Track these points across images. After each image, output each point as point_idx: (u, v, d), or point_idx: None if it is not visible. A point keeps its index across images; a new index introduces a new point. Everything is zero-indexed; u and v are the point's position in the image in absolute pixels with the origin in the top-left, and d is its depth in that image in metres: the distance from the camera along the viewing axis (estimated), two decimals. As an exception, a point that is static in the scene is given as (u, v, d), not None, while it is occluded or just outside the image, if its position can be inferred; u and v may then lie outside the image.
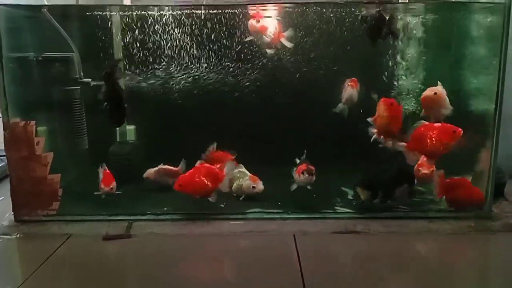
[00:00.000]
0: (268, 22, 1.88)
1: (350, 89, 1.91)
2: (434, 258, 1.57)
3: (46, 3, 1.80)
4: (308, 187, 1.83)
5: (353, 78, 1.93)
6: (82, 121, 1.97)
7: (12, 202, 1.73)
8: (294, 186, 1.84)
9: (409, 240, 1.64)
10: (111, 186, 1.80)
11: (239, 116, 2.13)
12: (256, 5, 1.88)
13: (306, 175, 1.79)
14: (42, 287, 1.36)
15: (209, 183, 1.72)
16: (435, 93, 1.73)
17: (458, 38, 1.99)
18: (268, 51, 2.01)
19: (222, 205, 1.83)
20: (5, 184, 2.10)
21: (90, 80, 1.95)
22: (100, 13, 1.97)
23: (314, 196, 1.91)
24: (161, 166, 1.97)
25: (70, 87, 1.92)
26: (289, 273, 1.40)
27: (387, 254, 1.59)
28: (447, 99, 1.75)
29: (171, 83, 2.12)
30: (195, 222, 1.72)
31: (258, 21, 1.85)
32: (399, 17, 1.96)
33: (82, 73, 1.95)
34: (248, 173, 1.92)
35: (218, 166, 1.82)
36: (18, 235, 1.66)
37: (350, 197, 1.93)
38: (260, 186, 1.89)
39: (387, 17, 1.78)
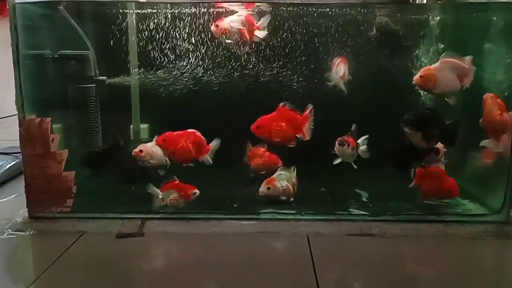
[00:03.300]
0: (231, 23, 1.80)
1: (343, 65, 1.91)
2: (450, 262, 1.54)
3: (63, -1, 1.81)
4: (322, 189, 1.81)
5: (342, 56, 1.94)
6: (97, 119, 1.98)
7: (26, 198, 1.73)
8: (337, 160, 1.81)
9: (425, 244, 1.61)
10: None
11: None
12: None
13: (336, 145, 1.76)
14: (55, 284, 1.36)
15: (193, 151, 1.72)
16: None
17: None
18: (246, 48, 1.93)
19: (235, 205, 1.83)
20: (19, 181, 2.14)
21: (105, 78, 1.95)
22: (116, 10, 1.97)
23: (328, 198, 1.90)
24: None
25: (86, 85, 1.93)
26: (303, 275, 1.38)
27: (402, 257, 1.56)
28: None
29: (185, 81, 2.11)
30: (208, 221, 1.71)
31: (217, 26, 1.80)
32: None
33: (97, 71, 1.95)
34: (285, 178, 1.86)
35: (254, 161, 1.92)
36: (31, 232, 1.67)
37: (364, 199, 1.91)
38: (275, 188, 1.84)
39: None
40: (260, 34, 1.85)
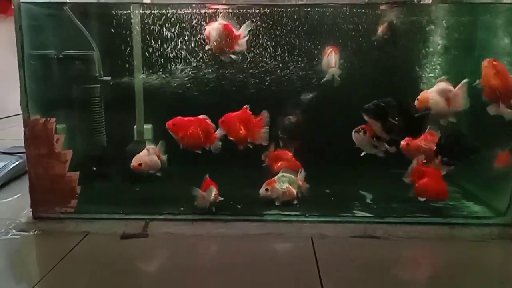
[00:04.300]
0: (212, 30, 1.74)
1: (334, 55, 1.90)
2: (455, 265, 1.52)
3: (68, 0, 1.81)
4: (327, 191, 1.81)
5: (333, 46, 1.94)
6: (101, 119, 1.98)
7: (30, 199, 1.73)
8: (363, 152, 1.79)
9: (430, 247, 1.61)
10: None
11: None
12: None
13: (353, 134, 1.75)
14: (59, 284, 1.36)
15: (202, 139, 1.72)
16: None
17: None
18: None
19: (238, 206, 1.82)
20: (22, 181, 2.14)
21: (109, 78, 1.95)
22: (121, 11, 1.97)
23: (332, 199, 1.89)
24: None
25: (90, 85, 1.93)
26: (308, 276, 1.38)
27: (406, 260, 1.56)
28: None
29: (189, 81, 2.11)
30: (212, 222, 1.71)
31: (205, 29, 1.78)
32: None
33: (102, 71, 1.95)
34: (287, 180, 1.85)
35: (279, 164, 1.89)
36: (35, 232, 1.67)
37: (369, 201, 1.90)
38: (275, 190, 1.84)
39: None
40: (242, 45, 1.78)
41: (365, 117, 1.65)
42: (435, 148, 1.79)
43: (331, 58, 1.92)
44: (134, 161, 1.79)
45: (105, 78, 1.96)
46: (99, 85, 1.95)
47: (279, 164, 1.95)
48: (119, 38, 2.02)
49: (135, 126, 2.14)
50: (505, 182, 1.75)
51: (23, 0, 1.64)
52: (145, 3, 1.99)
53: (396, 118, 1.64)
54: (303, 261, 1.48)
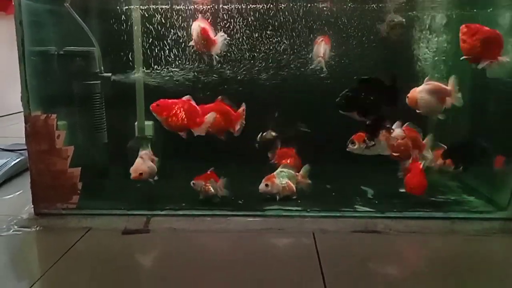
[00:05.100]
0: (193, 30, 1.83)
1: (324, 44, 1.92)
2: (457, 259, 1.52)
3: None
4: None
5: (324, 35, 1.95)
6: (102, 116, 1.98)
7: (32, 195, 1.73)
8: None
9: (431, 241, 1.61)
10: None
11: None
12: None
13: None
14: (61, 280, 1.36)
15: (186, 119, 1.71)
16: None
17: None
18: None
19: (240, 202, 1.83)
20: (24, 178, 2.14)
21: (110, 74, 1.95)
22: (121, 6, 1.97)
23: (333, 194, 1.90)
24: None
25: (91, 81, 1.92)
26: (310, 271, 1.38)
27: (408, 254, 1.56)
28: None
29: (190, 77, 2.10)
30: (213, 218, 1.71)
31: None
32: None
33: (102, 67, 1.95)
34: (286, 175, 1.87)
35: (288, 161, 1.93)
36: (37, 228, 1.67)
37: (370, 196, 1.90)
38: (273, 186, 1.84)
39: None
40: (217, 50, 1.87)
41: (341, 112, 1.65)
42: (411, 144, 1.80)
43: (320, 48, 1.93)
44: (134, 172, 1.76)
45: (105, 74, 1.95)
46: (99, 81, 1.95)
47: (287, 161, 1.97)
48: (120, 34, 2.02)
49: (136, 123, 2.14)
50: (506, 177, 1.75)
51: (23, -4, 1.64)
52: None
53: (369, 97, 1.64)
54: (304, 256, 1.49)
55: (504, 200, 1.75)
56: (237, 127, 1.83)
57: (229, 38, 1.93)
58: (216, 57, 1.91)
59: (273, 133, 2.08)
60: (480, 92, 1.95)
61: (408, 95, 1.77)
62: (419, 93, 1.75)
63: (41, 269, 1.40)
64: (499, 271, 1.48)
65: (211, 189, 1.78)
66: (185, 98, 1.76)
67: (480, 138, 1.83)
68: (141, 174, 1.77)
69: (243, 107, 1.85)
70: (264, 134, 2.08)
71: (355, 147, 1.74)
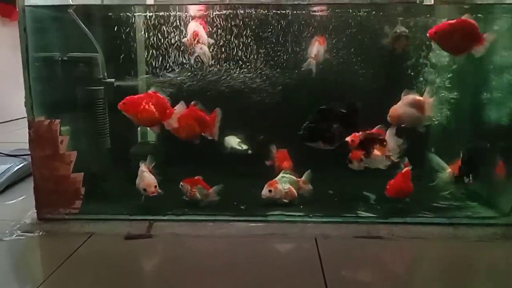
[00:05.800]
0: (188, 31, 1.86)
1: (318, 45, 1.91)
2: (459, 265, 1.52)
3: (71, 2, 1.82)
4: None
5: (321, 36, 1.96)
6: (105, 121, 1.98)
7: (35, 200, 1.74)
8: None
9: (434, 247, 1.60)
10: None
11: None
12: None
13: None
14: (63, 285, 1.37)
15: (156, 113, 1.70)
16: None
17: None
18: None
19: (242, 207, 1.83)
20: (27, 183, 2.15)
21: (113, 80, 1.96)
22: (124, 13, 1.98)
23: (335, 200, 1.90)
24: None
25: (94, 87, 1.94)
26: (312, 277, 1.38)
27: (410, 260, 1.55)
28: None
29: (191, 83, 2.11)
30: (216, 223, 1.71)
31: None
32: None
33: (106, 73, 1.96)
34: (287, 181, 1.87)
35: (284, 163, 1.94)
36: (40, 233, 1.68)
37: (372, 201, 1.90)
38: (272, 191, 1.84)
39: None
40: (205, 54, 1.88)
41: (307, 144, 1.71)
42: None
43: (313, 48, 1.93)
44: (149, 187, 1.73)
45: (109, 80, 1.96)
46: (103, 87, 1.96)
47: (285, 164, 1.97)
48: (123, 40, 2.03)
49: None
50: (508, 182, 1.74)
51: (27, 3, 1.66)
52: (148, 4, 2.01)
53: (330, 125, 1.70)
54: (307, 261, 1.49)
55: (507, 206, 1.74)
56: (214, 131, 1.82)
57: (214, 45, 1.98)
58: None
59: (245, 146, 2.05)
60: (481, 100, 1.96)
61: (389, 114, 1.77)
62: (400, 108, 1.76)
63: (44, 274, 1.41)
64: (502, 277, 1.47)
65: (197, 194, 1.80)
66: (151, 91, 1.76)
67: (480, 143, 1.83)
68: (156, 187, 1.76)
69: (216, 111, 1.82)
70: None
71: (354, 165, 1.77)
